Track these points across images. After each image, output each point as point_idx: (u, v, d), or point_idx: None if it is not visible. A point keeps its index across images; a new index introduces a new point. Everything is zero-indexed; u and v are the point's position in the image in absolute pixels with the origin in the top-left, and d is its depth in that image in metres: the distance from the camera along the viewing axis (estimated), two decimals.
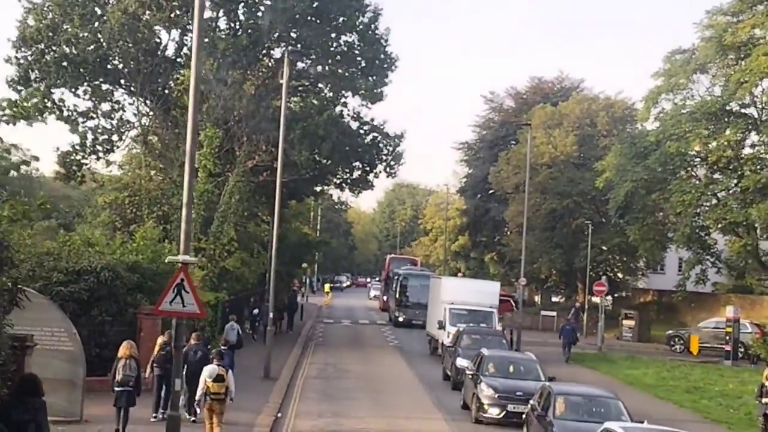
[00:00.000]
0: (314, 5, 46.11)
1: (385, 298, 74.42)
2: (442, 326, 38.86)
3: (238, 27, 44.59)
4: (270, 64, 47.44)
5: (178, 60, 46.54)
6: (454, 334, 35.45)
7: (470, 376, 26.91)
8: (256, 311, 47.23)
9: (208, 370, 18.87)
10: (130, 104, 46.74)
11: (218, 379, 18.72)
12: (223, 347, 23.89)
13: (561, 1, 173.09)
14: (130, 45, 43.73)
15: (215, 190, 42.00)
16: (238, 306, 45.63)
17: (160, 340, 23.01)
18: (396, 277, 64.09)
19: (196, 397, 19.66)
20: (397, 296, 61.00)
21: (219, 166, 43.83)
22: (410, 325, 55.99)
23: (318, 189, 59.03)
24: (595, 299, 64.51)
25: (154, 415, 22.08)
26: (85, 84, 45.78)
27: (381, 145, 49.93)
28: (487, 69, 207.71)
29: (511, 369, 26.88)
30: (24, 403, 12.16)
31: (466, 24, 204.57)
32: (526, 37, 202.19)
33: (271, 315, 33.17)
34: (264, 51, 46.30)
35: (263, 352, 33.67)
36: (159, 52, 45.18)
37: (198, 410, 20.40)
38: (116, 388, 19.50)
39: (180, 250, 14.92)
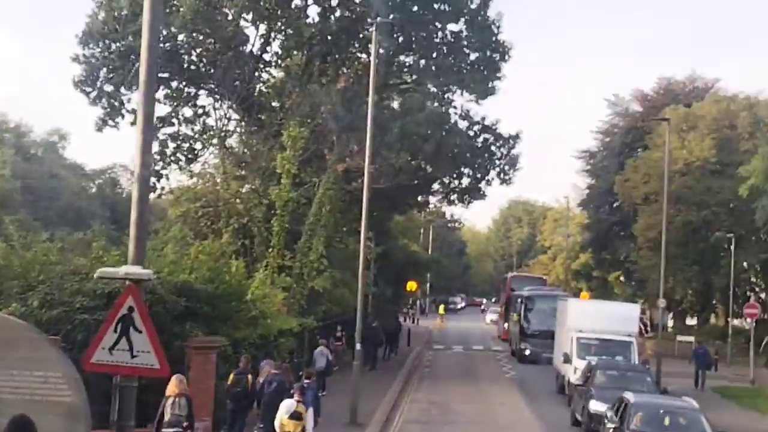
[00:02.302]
0: None
1: (505, 325, 63.44)
2: (568, 359, 32.33)
3: (328, 14, 39.16)
4: (366, 60, 41.94)
5: (264, 56, 41.61)
6: (584, 370, 29.02)
7: (611, 430, 20.55)
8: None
9: (285, 406, 16.98)
10: (216, 109, 41.76)
11: (295, 416, 16.76)
12: (306, 381, 20.33)
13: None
14: (210, 38, 38.84)
15: (302, 199, 36.60)
16: (333, 331, 40.17)
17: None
18: (519, 300, 53.71)
19: None
20: (522, 323, 50.36)
21: (308, 172, 38.63)
22: (540, 360, 45.17)
23: (422, 199, 52.86)
24: (736, 323, 57.42)
25: None
26: (162, 87, 41.17)
27: (493, 147, 43.71)
28: (609, 71, 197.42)
29: (667, 421, 20.40)
30: None
31: (586, 23, 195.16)
32: (653, 38, 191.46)
33: (358, 346, 27.33)
34: (358, 45, 40.77)
35: (367, 383, 28.43)
36: (242, 47, 40.12)
37: None
38: (165, 431, 16.69)
39: (129, 258, 9.25)
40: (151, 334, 8.96)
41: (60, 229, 53.22)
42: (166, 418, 16.70)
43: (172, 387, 16.97)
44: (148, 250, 26.31)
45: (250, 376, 21.11)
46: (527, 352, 48.08)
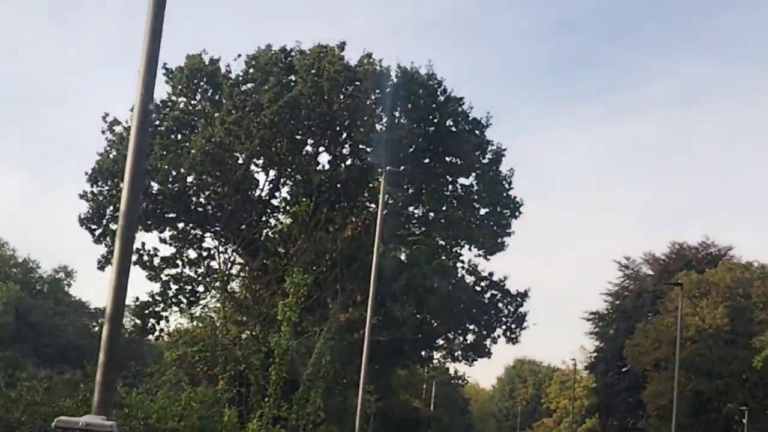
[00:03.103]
0: (429, 146, 40.63)
1: None
2: None
3: (339, 162, 39.06)
4: (374, 210, 41.65)
5: (272, 202, 41.38)
6: None
7: None
8: None
9: None
10: (222, 253, 41.22)
11: None
12: None
13: (703, 167, 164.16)
14: (219, 181, 38.67)
15: (302, 348, 35.56)
16: None
17: None
18: None
19: None
20: None
21: (309, 320, 37.75)
22: None
23: (425, 354, 51.57)
24: None
25: None
26: (168, 228, 40.83)
27: (500, 304, 42.80)
28: (620, 233, 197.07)
29: None
30: None
31: (596, 184, 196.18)
32: (665, 203, 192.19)
33: None
34: (367, 194, 40.50)
35: None
36: (250, 192, 39.91)
37: None
38: None
39: (93, 406, 8.24)
40: None
41: (59, 368, 52.16)
42: None
43: None
44: (140, 393, 25.41)
45: None
46: None
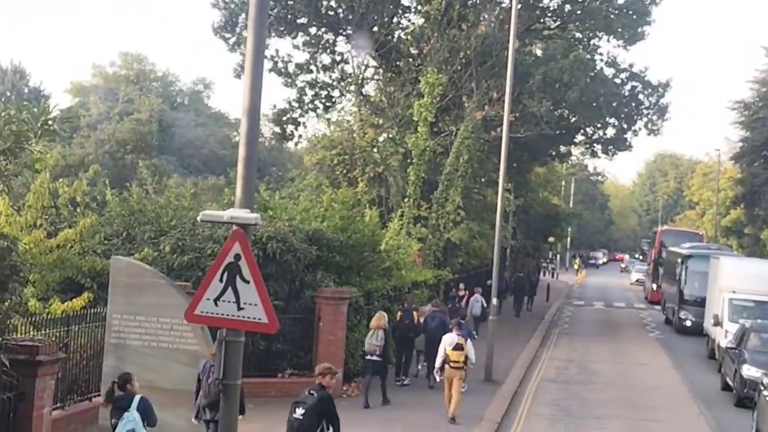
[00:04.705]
0: None
1: (654, 286, 56.90)
2: (718, 322, 30.40)
3: None
4: (507, 5, 40.29)
5: (403, 2, 40.46)
6: (737, 332, 27.16)
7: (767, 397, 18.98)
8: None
9: (448, 339, 19.05)
10: (354, 56, 40.88)
11: (457, 347, 18.84)
12: (461, 320, 21.82)
13: None
14: None
15: (439, 148, 35.60)
16: (476, 282, 39.26)
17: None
18: (678, 259, 44.39)
19: (436, 365, 19.53)
20: (681, 287, 41.56)
21: (445, 120, 37.60)
22: (700, 332, 36.35)
23: (564, 150, 50.87)
24: None
25: (396, 379, 22.59)
26: (300, 34, 40.66)
27: (641, 96, 41.42)
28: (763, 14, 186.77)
29: None
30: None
31: None
32: None
33: (494, 301, 26.26)
34: None
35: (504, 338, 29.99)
36: None
37: (437, 377, 20.13)
38: (365, 357, 20.10)
39: (236, 200, 8.27)
40: (260, 284, 8.05)
41: (203, 177, 54.02)
42: (366, 348, 19.93)
43: (374, 321, 20.08)
44: (282, 197, 26.04)
45: (415, 313, 23.21)
46: (688, 323, 40.10)
